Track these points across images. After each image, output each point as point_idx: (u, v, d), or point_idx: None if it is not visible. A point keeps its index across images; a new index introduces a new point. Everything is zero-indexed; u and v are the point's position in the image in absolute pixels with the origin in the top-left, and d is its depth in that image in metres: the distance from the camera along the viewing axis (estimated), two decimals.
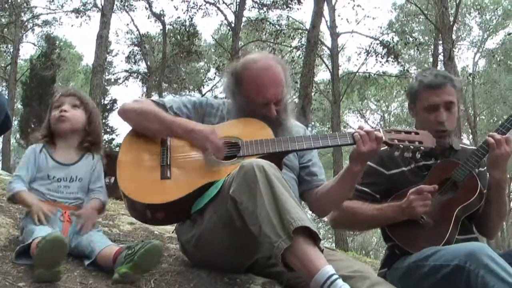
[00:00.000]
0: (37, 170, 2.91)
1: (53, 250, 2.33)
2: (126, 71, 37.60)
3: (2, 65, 35.63)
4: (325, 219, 3.36)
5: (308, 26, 21.84)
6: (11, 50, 32.84)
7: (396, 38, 30.03)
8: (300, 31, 30.13)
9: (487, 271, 2.46)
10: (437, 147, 3.01)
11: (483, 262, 2.50)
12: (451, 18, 22.37)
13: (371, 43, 29.42)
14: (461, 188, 3.09)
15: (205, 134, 2.87)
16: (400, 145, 2.83)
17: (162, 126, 2.96)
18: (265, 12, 30.16)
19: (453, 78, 3.28)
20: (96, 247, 2.67)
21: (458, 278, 2.60)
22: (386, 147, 2.88)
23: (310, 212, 3.43)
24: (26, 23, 34.21)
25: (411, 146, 2.83)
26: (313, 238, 2.30)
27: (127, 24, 35.23)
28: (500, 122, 3.22)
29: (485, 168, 3.21)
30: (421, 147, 2.84)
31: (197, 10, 29.92)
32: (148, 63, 35.67)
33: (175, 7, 29.46)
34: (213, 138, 2.85)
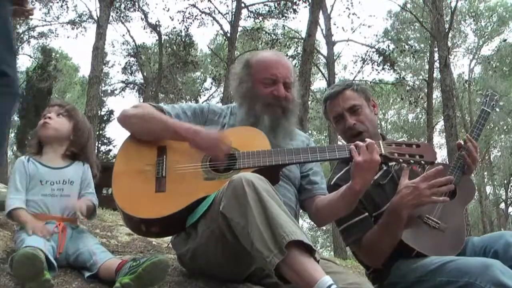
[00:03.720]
0: (30, 179, 2.90)
1: (27, 265, 2.30)
2: (122, 82, 37.76)
3: None
4: (324, 227, 3.31)
5: (303, 35, 21.87)
6: None
7: (392, 46, 30.18)
8: (296, 40, 30.25)
9: (497, 286, 2.44)
10: None
11: (496, 277, 2.47)
12: (447, 25, 22.44)
13: (367, 51, 29.64)
14: (460, 190, 3.11)
15: (215, 137, 2.82)
16: (400, 159, 2.78)
17: (165, 127, 2.91)
18: (260, 21, 30.29)
19: (351, 83, 3.40)
20: (99, 260, 2.66)
21: None
22: (384, 162, 2.81)
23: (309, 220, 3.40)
24: (22, 35, 34.26)
25: (411, 160, 2.77)
26: (308, 249, 2.26)
27: (123, 35, 35.61)
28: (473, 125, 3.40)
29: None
30: (422, 161, 2.78)
31: (193, 20, 30.04)
32: (145, 73, 35.76)
33: (170, 18, 29.68)
34: (223, 144, 2.81)
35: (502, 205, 43.27)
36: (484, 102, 3.38)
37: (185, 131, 2.87)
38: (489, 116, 3.34)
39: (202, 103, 3.27)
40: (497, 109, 3.39)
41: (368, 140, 2.75)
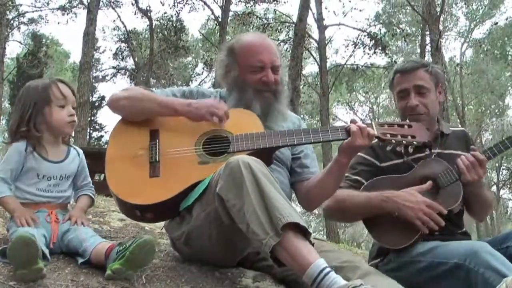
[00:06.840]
0: (25, 170, 2.81)
1: (22, 249, 2.26)
2: (113, 67, 37.46)
3: None
4: (316, 211, 3.32)
5: (295, 19, 21.82)
6: None
7: (383, 30, 30.13)
8: (287, 24, 30.09)
9: (487, 269, 2.46)
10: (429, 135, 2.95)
11: (484, 259, 2.50)
12: (438, 9, 22.37)
13: (359, 35, 29.48)
14: (444, 192, 3.04)
15: (210, 103, 2.88)
16: (393, 140, 2.80)
17: (158, 104, 2.92)
18: (251, 6, 30.10)
19: (427, 64, 3.32)
20: (89, 246, 2.63)
21: (457, 276, 2.61)
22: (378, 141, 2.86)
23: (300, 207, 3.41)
24: (12, 22, 33.93)
25: (403, 141, 2.80)
26: (303, 232, 2.28)
27: (114, 21, 35.27)
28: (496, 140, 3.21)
29: None
30: (414, 142, 2.80)
31: (184, 5, 29.83)
32: (136, 59, 35.51)
33: (161, 3, 29.25)
34: (216, 103, 2.87)
35: (494, 188, 43.52)
36: None
37: (179, 105, 2.90)
38: None
39: (193, 86, 3.26)
40: None
41: (361, 124, 2.79)
